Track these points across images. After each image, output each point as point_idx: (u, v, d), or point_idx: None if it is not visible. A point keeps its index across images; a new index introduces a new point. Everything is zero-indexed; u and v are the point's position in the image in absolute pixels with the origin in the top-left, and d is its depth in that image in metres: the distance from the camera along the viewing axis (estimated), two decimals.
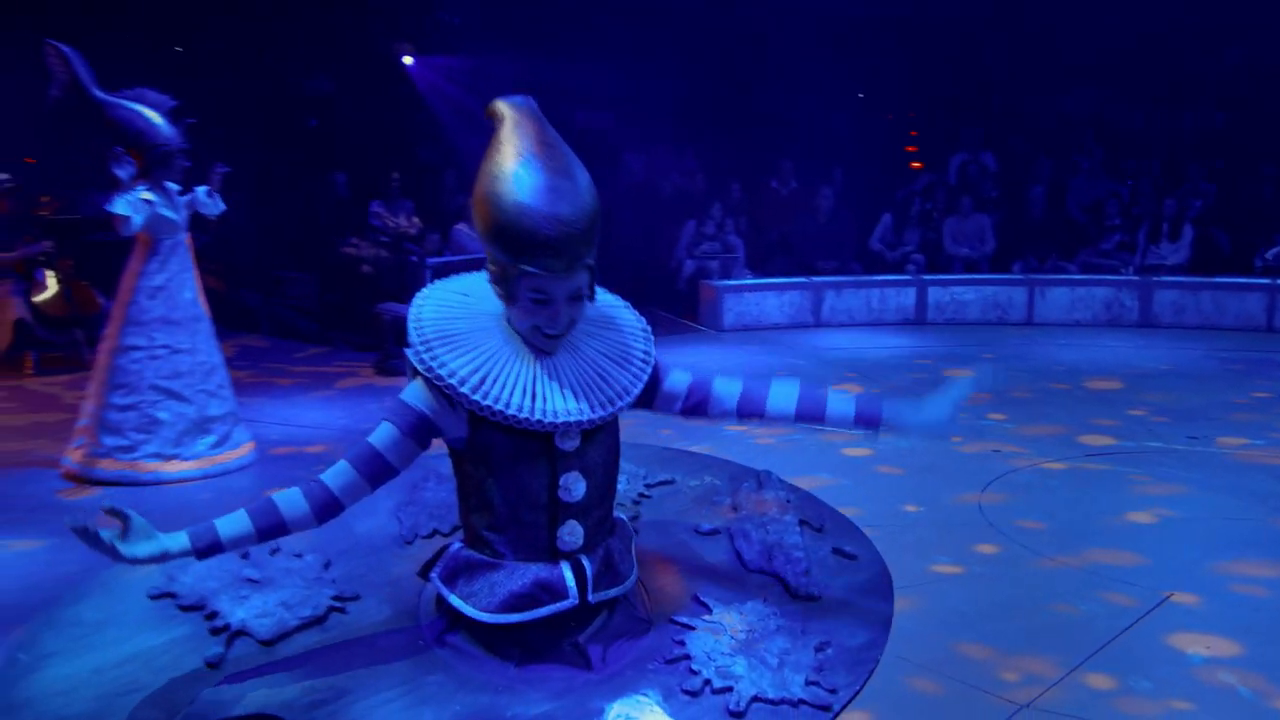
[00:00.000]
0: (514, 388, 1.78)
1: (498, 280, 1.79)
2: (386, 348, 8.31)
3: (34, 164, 11.28)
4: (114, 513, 1.70)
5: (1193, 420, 6.70)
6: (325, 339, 9.60)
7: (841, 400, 1.97)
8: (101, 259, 8.87)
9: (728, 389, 1.96)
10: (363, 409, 7.06)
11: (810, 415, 1.96)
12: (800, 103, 12.01)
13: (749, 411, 1.97)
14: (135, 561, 1.71)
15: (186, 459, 5.60)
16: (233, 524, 1.78)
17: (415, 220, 10.12)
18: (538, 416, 1.77)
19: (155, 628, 1.86)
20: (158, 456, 5.53)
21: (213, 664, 1.78)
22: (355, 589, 1.98)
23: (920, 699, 3.29)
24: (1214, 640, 3.73)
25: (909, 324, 10.58)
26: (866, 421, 1.95)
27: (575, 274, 1.76)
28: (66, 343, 8.33)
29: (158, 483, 5.48)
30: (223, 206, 5.86)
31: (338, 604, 1.93)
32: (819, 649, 1.88)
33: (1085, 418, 6.76)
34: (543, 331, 1.81)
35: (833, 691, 1.79)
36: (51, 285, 8.29)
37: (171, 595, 1.91)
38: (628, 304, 2.02)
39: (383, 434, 1.82)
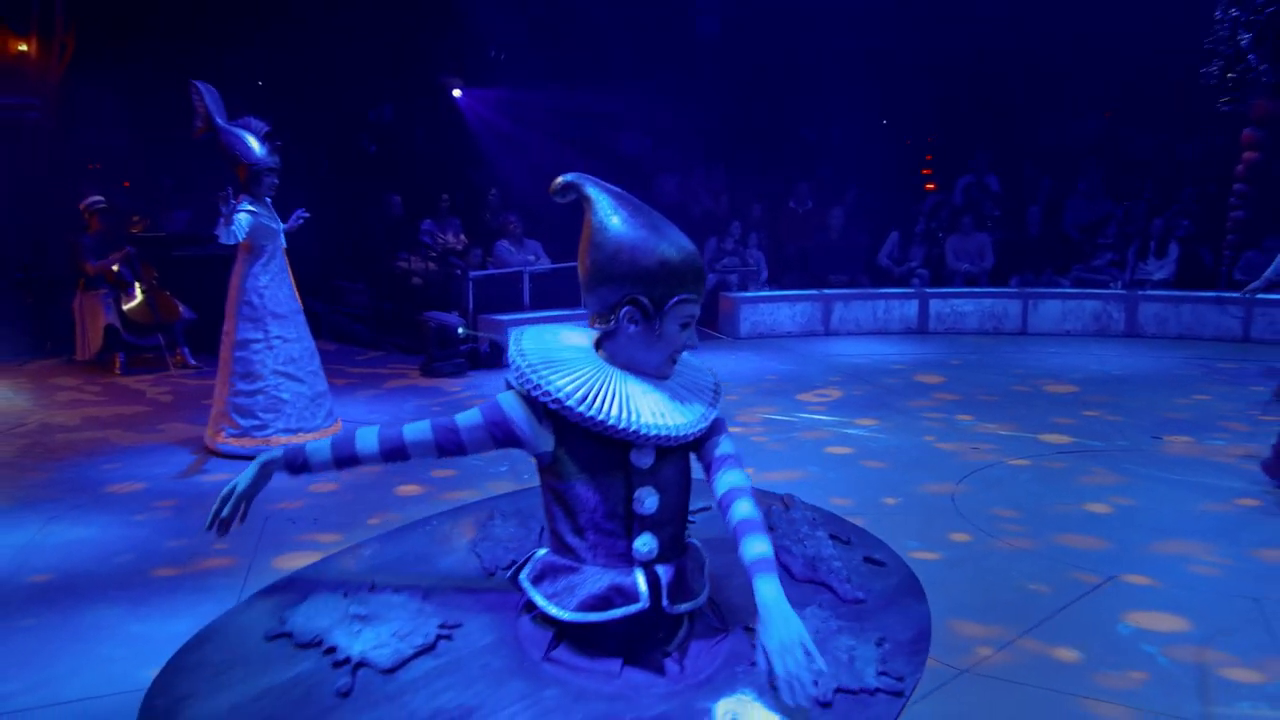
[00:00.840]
0: (612, 403, 1.88)
1: (643, 319, 1.89)
2: (430, 351, 8.46)
3: (129, 187, 11.64)
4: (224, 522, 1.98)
5: (1154, 421, 6.70)
6: (379, 344, 9.77)
7: (756, 546, 1.85)
8: (183, 272, 9.17)
9: (725, 481, 1.96)
10: (403, 409, 7.22)
11: (733, 537, 1.90)
12: (825, 129, 12.07)
13: (719, 507, 1.96)
14: (248, 484, 1.97)
15: (310, 430, 5.98)
16: (317, 450, 1.99)
17: (462, 237, 10.29)
18: (633, 428, 1.86)
19: (279, 666, 1.83)
20: (287, 430, 5.91)
21: (343, 694, 1.77)
22: (456, 618, 1.97)
23: None
24: (1165, 617, 3.78)
25: (911, 333, 10.60)
26: (747, 572, 1.85)
27: None
28: (150, 346, 8.57)
29: None
30: (283, 243, 6.13)
31: (445, 632, 1.92)
32: (879, 644, 1.93)
33: (1050, 417, 6.79)
34: (675, 354, 1.95)
35: (900, 679, 1.85)
36: (138, 295, 8.53)
37: (287, 635, 1.90)
38: None
39: (469, 417, 1.95)
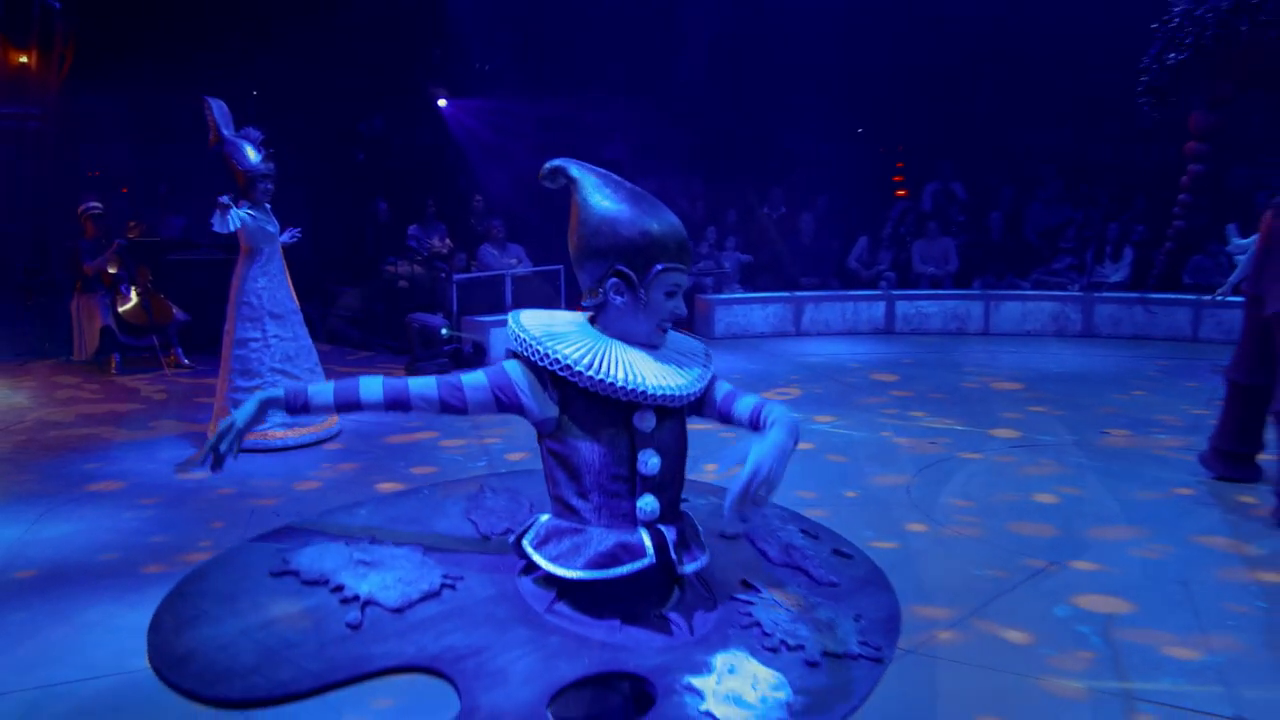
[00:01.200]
0: (615, 368, 1.89)
1: (628, 289, 1.91)
2: (414, 351, 8.47)
3: (126, 193, 11.62)
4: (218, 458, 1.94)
5: (1100, 416, 6.77)
6: (369, 345, 9.78)
7: (781, 410, 1.99)
8: (178, 275, 9.16)
9: (744, 405, 2.03)
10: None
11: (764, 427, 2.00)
12: (801, 137, 12.10)
13: (750, 425, 2.03)
14: (247, 419, 1.92)
15: (305, 425, 6.06)
16: (320, 392, 1.97)
17: (447, 242, 10.30)
18: (640, 388, 1.87)
19: (286, 598, 1.83)
20: (284, 425, 5.98)
21: (354, 626, 1.78)
22: (458, 572, 1.98)
23: None
24: (1109, 599, 3.84)
25: (878, 333, 10.68)
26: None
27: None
28: (145, 347, 8.56)
29: (285, 448, 5.89)
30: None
31: (448, 581, 1.92)
32: (856, 619, 1.99)
33: (1001, 413, 6.85)
34: (664, 323, 1.96)
35: (878, 649, 1.91)
36: (133, 297, 8.52)
37: (293, 573, 1.90)
38: None
39: (474, 378, 1.95)
